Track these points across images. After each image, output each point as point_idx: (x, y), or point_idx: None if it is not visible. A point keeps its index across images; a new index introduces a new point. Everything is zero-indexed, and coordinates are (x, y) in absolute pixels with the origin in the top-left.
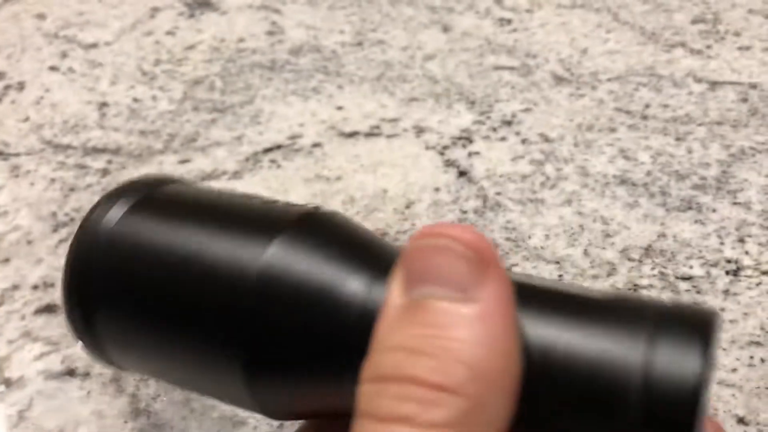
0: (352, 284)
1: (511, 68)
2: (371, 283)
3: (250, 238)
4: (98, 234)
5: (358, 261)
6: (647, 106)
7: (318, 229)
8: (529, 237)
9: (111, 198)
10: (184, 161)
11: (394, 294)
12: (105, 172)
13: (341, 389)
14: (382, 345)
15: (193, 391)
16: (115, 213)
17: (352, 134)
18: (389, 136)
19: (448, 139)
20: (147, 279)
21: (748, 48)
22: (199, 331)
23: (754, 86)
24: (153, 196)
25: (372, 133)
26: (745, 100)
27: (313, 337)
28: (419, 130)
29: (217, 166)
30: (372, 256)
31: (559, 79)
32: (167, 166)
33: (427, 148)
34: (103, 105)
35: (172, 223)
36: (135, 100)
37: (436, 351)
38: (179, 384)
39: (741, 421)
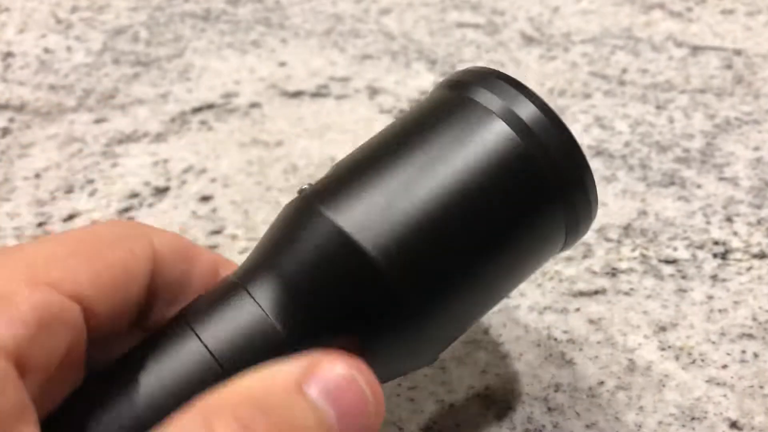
0: None
1: (476, 26)
2: None
3: None
4: None
5: None
6: (624, 70)
7: None
8: None
9: None
10: (99, 120)
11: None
12: (5, 131)
13: None
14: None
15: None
16: None
17: (296, 94)
18: (339, 97)
19: (405, 101)
20: None
21: (731, 12)
22: None
23: (738, 52)
24: None
25: (319, 93)
26: (729, 67)
27: None
28: (373, 91)
29: (137, 126)
30: None
31: (528, 40)
32: (79, 125)
33: (382, 111)
34: (8, 55)
35: None
36: (46, 50)
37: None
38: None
39: (734, 425)
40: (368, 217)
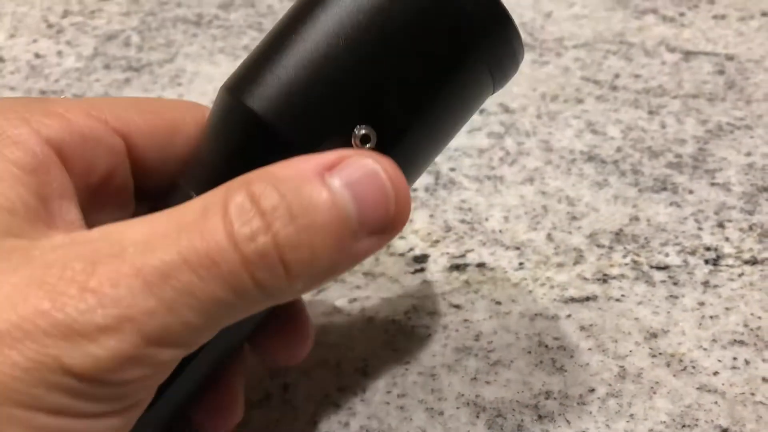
0: None
1: None
2: None
3: None
4: None
5: None
6: (617, 75)
7: None
8: (486, 219)
9: None
10: None
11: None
12: None
13: None
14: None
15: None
16: None
17: None
18: None
19: None
20: None
21: (723, 17)
22: None
23: (730, 58)
24: None
25: None
26: (721, 72)
27: None
28: None
29: None
30: None
31: None
32: None
33: None
34: None
35: None
36: (37, 55)
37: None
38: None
39: None
40: (267, 88)
